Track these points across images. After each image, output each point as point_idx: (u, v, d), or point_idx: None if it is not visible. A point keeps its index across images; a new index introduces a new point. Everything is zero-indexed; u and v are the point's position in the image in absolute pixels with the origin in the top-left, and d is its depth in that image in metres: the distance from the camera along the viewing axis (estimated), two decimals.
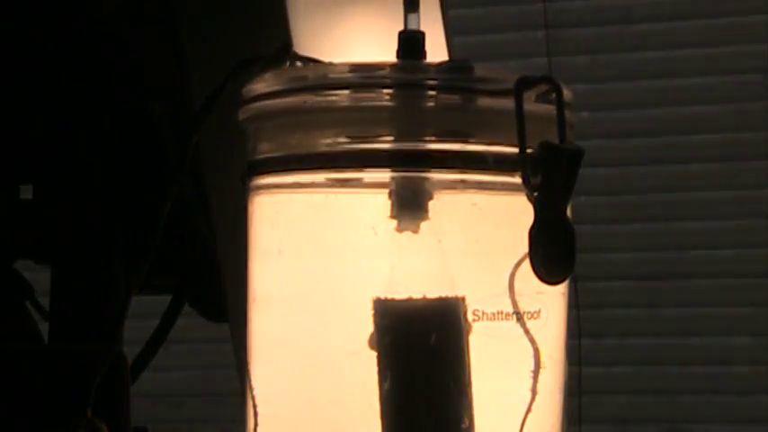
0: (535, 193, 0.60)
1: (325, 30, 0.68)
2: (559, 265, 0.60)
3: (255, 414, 0.66)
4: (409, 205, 0.62)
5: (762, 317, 2.47)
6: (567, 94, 0.63)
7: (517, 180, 0.61)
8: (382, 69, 0.64)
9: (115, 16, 0.78)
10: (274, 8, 0.74)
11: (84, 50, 0.77)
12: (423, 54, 0.65)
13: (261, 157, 0.66)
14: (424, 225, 0.62)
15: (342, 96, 0.63)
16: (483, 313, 0.62)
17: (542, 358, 0.64)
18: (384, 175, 0.63)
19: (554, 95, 0.62)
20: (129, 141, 0.78)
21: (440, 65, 0.63)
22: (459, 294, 0.62)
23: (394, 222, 0.62)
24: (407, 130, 0.63)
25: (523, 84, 0.61)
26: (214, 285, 0.81)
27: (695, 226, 2.52)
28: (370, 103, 0.63)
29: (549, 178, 0.60)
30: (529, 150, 0.60)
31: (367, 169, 0.63)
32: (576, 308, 0.68)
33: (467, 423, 0.62)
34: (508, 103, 0.61)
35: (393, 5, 0.70)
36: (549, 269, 0.60)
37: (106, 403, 0.74)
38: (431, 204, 0.62)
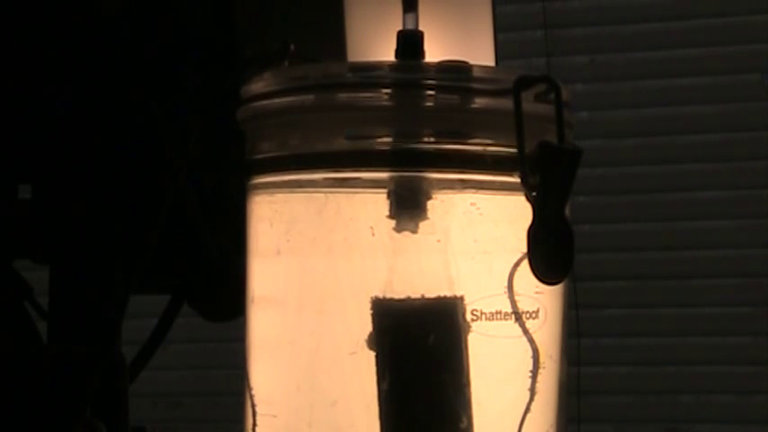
0: (534, 193, 0.60)
1: (382, 31, 0.68)
2: (558, 265, 0.60)
3: (254, 414, 0.66)
4: (408, 205, 0.62)
5: (762, 317, 2.47)
6: (565, 93, 0.63)
7: (516, 180, 0.61)
8: (381, 69, 0.64)
9: (115, 16, 0.78)
10: (332, 8, 0.74)
11: (84, 50, 0.77)
12: (421, 54, 0.65)
13: (260, 156, 0.66)
14: (422, 225, 0.62)
15: (341, 96, 0.63)
16: (482, 313, 0.62)
17: (541, 358, 0.64)
18: (383, 174, 0.63)
19: (553, 95, 0.62)
20: (129, 140, 0.78)
21: (438, 65, 0.63)
22: (458, 294, 0.62)
23: (393, 222, 0.62)
24: (406, 129, 0.63)
25: (522, 83, 0.61)
26: (213, 285, 0.81)
27: (695, 226, 2.52)
28: (369, 103, 0.63)
29: (547, 178, 0.60)
30: (527, 150, 0.60)
31: (366, 169, 0.63)
32: (575, 308, 0.68)
33: (465, 422, 0.62)
34: (507, 102, 0.61)
35: (446, 9, 0.70)
36: (548, 269, 0.60)
37: (105, 403, 0.74)
38: (429, 204, 0.62)
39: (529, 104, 0.62)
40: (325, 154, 0.63)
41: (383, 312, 0.62)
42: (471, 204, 0.62)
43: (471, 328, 0.62)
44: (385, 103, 0.63)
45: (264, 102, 0.65)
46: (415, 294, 0.62)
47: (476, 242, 0.63)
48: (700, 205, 2.52)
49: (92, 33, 0.77)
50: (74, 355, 0.75)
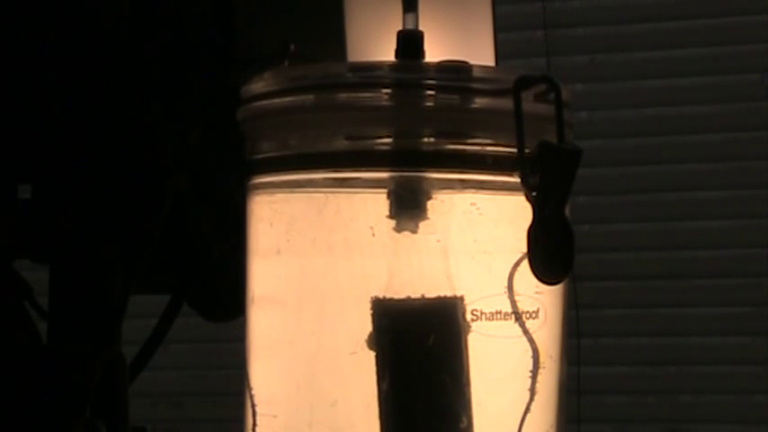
0: (534, 193, 0.60)
1: (382, 31, 0.68)
2: (558, 265, 0.60)
3: (254, 414, 0.66)
4: (408, 205, 0.62)
5: (762, 317, 2.47)
6: (565, 93, 0.63)
7: (516, 180, 0.61)
8: (381, 69, 0.64)
9: (115, 16, 0.78)
10: (332, 8, 0.74)
11: (84, 50, 0.77)
12: (421, 54, 0.65)
13: (260, 156, 0.66)
14: (422, 225, 0.62)
15: (341, 96, 0.63)
16: (482, 313, 0.62)
17: (541, 358, 0.64)
18: (383, 174, 0.63)
19: (553, 95, 0.62)
20: (129, 141, 0.78)
21: (438, 65, 0.63)
22: (458, 294, 0.62)
23: (393, 222, 0.62)
24: (406, 129, 0.63)
25: (522, 83, 0.61)
26: (213, 285, 0.81)
27: (695, 226, 2.51)
28: (369, 103, 0.63)
29: (547, 178, 0.60)
30: (527, 150, 0.60)
31: (366, 169, 0.63)
32: (575, 308, 0.68)
33: (465, 422, 0.62)
34: (507, 102, 0.61)
35: (446, 9, 0.70)
36: (548, 269, 0.60)
37: (105, 403, 0.74)
38: (429, 204, 0.62)
39: (529, 104, 0.62)
40: (325, 154, 0.63)
41: (383, 312, 0.62)
42: (471, 204, 0.62)
43: (471, 328, 0.62)
44: (385, 103, 0.63)
45: (264, 102, 0.65)
46: (415, 294, 0.62)
47: (476, 242, 0.63)
48: (700, 205, 2.52)
49: (92, 33, 0.77)
50: (74, 355, 0.75)
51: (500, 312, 0.63)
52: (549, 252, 0.60)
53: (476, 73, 0.63)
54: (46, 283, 0.78)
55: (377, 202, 0.62)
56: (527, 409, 0.64)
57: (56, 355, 0.76)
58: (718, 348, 2.50)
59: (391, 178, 0.63)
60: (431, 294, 0.62)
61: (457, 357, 0.62)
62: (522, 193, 0.61)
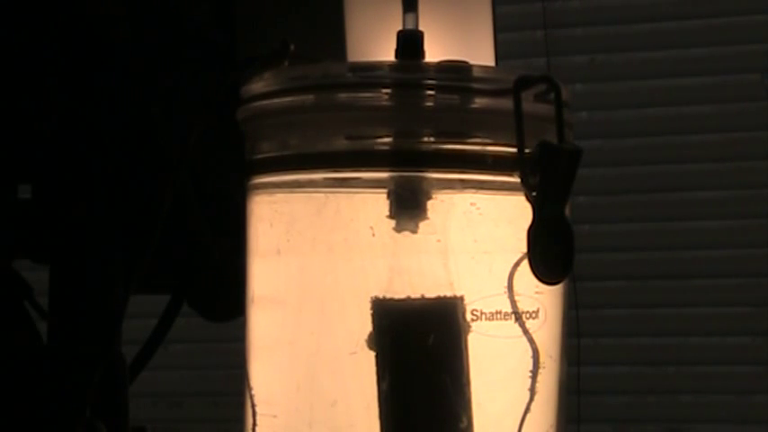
0: (534, 193, 0.60)
1: (382, 31, 0.68)
2: (558, 265, 0.60)
3: (254, 414, 0.66)
4: (408, 205, 0.62)
5: (762, 317, 2.47)
6: (565, 93, 0.63)
7: (516, 180, 0.61)
8: (381, 69, 0.64)
9: (115, 16, 0.78)
10: (332, 8, 0.74)
11: (84, 50, 0.77)
12: (421, 54, 0.65)
13: (260, 156, 0.66)
14: (422, 225, 0.62)
15: (341, 96, 0.63)
16: (482, 313, 0.62)
17: (541, 358, 0.64)
18: (383, 174, 0.63)
19: (553, 95, 0.62)
20: (129, 141, 0.78)
21: (438, 65, 0.63)
22: (458, 294, 0.62)
23: (393, 222, 0.62)
24: (406, 129, 0.63)
25: (522, 83, 0.61)
26: (213, 285, 0.81)
27: (695, 226, 2.51)
28: (369, 103, 0.63)
29: (547, 178, 0.60)
30: (527, 150, 0.60)
31: (366, 169, 0.63)
32: (574, 308, 0.68)
33: (465, 422, 0.62)
34: (507, 102, 0.61)
35: (446, 8, 0.70)
36: (548, 269, 0.60)
37: (105, 403, 0.74)
38: (429, 204, 0.62)
39: (529, 104, 0.62)
40: (325, 154, 0.63)
41: (383, 312, 0.62)
42: (471, 204, 0.62)
43: (471, 328, 0.62)
44: (385, 103, 0.63)
45: (264, 102, 0.65)
46: (415, 294, 0.62)
47: (476, 242, 0.63)
48: (700, 205, 2.51)
49: (92, 33, 0.77)
50: (74, 355, 0.75)
51: (500, 312, 0.63)
52: (549, 252, 0.60)
53: (476, 73, 0.63)
54: (46, 283, 0.78)
55: (377, 202, 0.62)
56: (527, 409, 0.64)
57: (56, 355, 0.76)
58: (718, 348, 2.50)
59: (391, 178, 0.63)
60: (431, 294, 0.62)
61: (457, 357, 0.62)
62: (522, 193, 0.61)
